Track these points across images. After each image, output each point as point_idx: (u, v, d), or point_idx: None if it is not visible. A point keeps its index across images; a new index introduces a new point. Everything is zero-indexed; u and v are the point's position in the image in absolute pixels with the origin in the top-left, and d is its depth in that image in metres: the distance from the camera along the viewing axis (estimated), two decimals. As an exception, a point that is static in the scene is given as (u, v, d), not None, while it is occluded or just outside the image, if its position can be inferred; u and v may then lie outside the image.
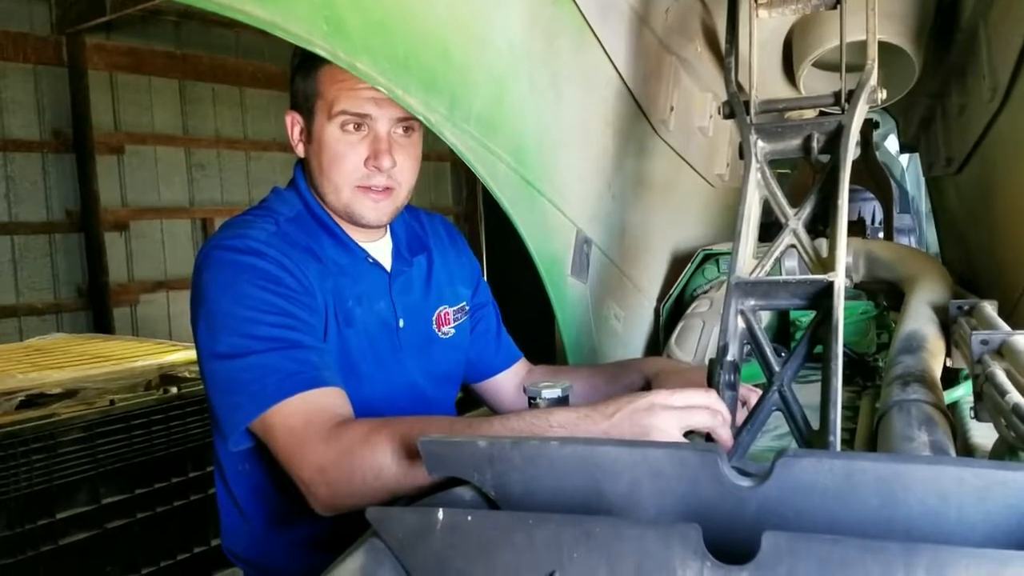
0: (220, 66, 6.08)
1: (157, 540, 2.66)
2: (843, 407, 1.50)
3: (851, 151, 1.17)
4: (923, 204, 3.52)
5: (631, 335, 1.76)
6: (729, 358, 1.02)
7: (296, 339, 1.10)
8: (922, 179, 2.86)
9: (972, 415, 1.04)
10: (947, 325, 1.39)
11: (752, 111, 1.23)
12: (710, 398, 0.96)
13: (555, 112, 1.42)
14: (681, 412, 0.93)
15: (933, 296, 1.49)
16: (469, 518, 0.72)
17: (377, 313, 1.27)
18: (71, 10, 5.26)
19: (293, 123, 1.27)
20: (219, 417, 1.12)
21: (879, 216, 2.84)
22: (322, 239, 1.25)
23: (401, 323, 1.30)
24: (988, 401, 0.97)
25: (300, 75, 1.24)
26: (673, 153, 1.82)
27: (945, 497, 0.67)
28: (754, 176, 1.20)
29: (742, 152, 1.22)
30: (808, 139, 1.20)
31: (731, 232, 1.15)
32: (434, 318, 1.36)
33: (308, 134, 1.25)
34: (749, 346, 1.06)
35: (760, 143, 1.22)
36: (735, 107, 1.24)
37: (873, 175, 2.45)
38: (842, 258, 1.05)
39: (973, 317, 1.33)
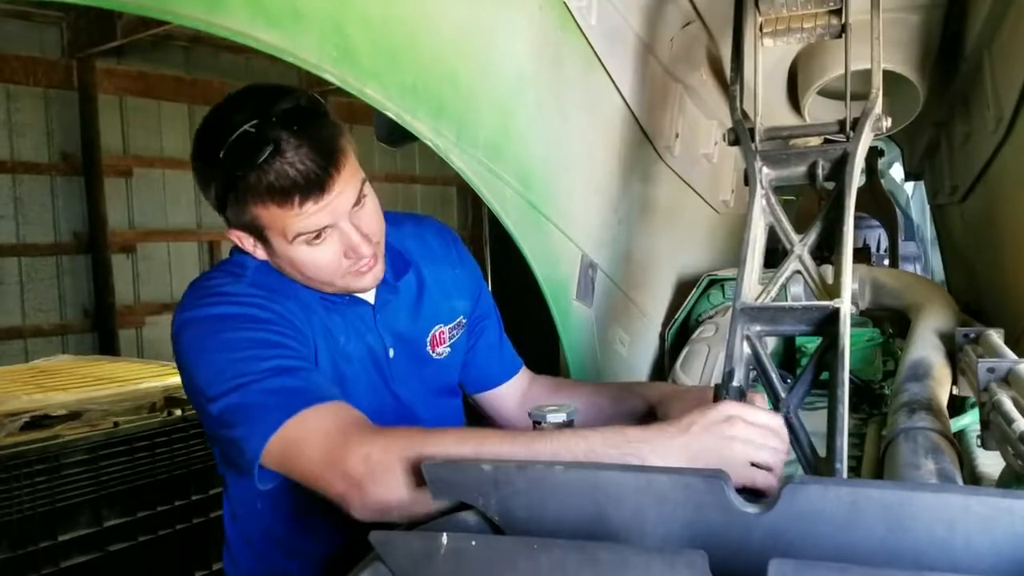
0: (229, 91, 6.13)
1: (159, 563, 2.65)
2: (849, 434, 1.50)
3: (856, 178, 1.17)
4: (928, 232, 3.53)
5: (636, 360, 1.76)
6: (735, 384, 1.02)
7: (292, 365, 1.06)
8: (927, 207, 2.86)
9: (979, 443, 1.04)
10: (953, 353, 1.39)
11: (757, 138, 1.24)
12: (777, 422, 0.93)
13: (561, 137, 1.43)
14: (757, 431, 0.90)
15: (939, 324, 1.48)
16: (473, 543, 0.72)
17: (367, 347, 1.22)
18: (82, 34, 5.34)
19: (241, 239, 1.13)
20: (233, 454, 1.07)
21: (884, 243, 2.84)
22: (296, 285, 1.17)
23: (391, 353, 1.24)
24: (995, 430, 0.97)
25: (232, 201, 1.07)
26: (678, 179, 1.83)
27: (951, 525, 0.66)
28: (759, 203, 1.20)
29: (747, 179, 1.23)
30: (813, 166, 1.21)
31: (736, 258, 1.15)
32: (428, 340, 1.30)
33: (267, 247, 1.12)
34: (755, 372, 1.06)
35: (765, 170, 1.23)
36: (740, 134, 1.25)
37: (878, 203, 2.46)
38: (847, 284, 1.05)
39: (979, 345, 1.33)
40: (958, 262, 2.16)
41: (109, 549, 2.51)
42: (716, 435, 0.89)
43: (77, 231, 5.51)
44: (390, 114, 1.08)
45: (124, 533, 2.56)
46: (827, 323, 1.03)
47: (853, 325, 1.81)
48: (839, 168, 1.19)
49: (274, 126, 1.02)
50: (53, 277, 5.44)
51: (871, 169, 2.46)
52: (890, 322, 1.80)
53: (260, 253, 1.14)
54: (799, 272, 1.16)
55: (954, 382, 1.38)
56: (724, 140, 1.29)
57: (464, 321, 1.35)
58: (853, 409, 1.58)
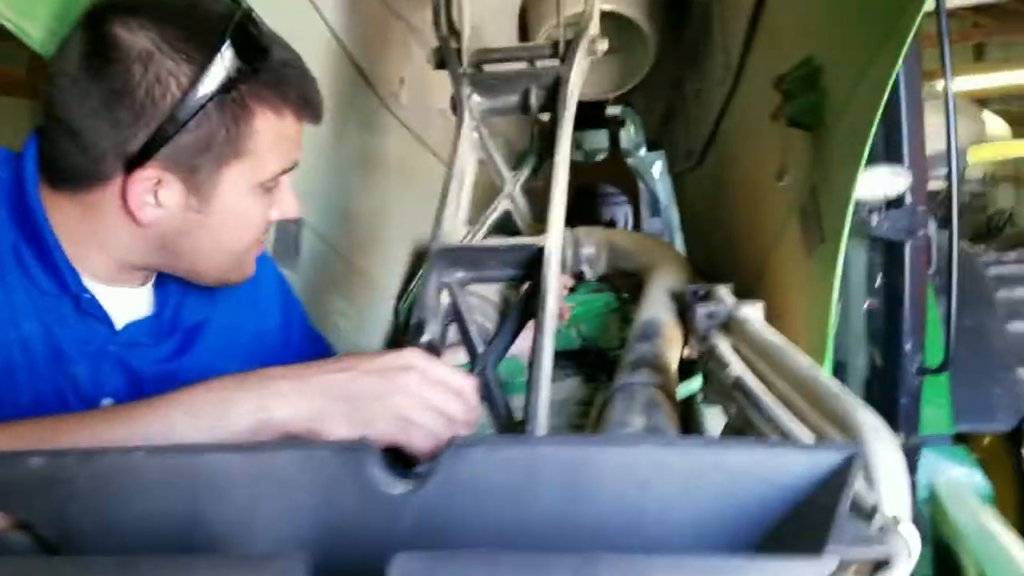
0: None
1: None
2: (581, 402, 1.38)
3: (572, 106, 1.03)
4: (673, 210, 3.62)
5: (363, 335, 1.55)
6: (425, 338, 0.83)
7: None
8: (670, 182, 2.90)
9: (702, 399, 0.93)
10: (685, 313, 1.31)
11: (464, 61, 1.07)
12: (464, 383, 0.73)
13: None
14: (436, 390, 0.70)
15: (670, 283, 1.40)
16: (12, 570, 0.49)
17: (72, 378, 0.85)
18: None
19: (159, 185, 0.79)
20: None
21: (630, 220, 2.85)
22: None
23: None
24: (714, 381, 0.86)
25: (209, 112, 0.77)
26: (409, 133, 1.64)
27: (644, 485, 0.51)
28: (468, 134, 1.03)
29: (455, 106, 1.06)
30: (526, 94, 1.05)
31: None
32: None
33: (199, 197, 0.82)
34: (453, 324, 0.88)
35: (475, 97, 1.06)
36: (446, 55, 1.07)
37: (622, 176, 2.42)
38: (557, 221, 0.90)
39: (709, 302, 1.26)
40: (695, 232, 2.15)
41: None
42: (381, 380, 0.69)
43: None
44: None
45: None
46: (533, 265, 0.87)
47: (591, 291, 1.71)
48: (554, 96, 1.05)
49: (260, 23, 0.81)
50: None
51: (613, 139, 2.42)
52: (627, 286, 1.73)
53: (148, 215, 0.80)
54: (511, 211, 1.00)
55: (686, 343, 1.31)
56: (430, 62, 1.11)
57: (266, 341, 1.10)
58: (590, 378, 1.47)
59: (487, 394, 0.80)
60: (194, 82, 0.75)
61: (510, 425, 0.77)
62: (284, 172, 0.86)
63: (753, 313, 0.91)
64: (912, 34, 0.80)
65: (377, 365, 0.70)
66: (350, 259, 1.51)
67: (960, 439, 2.30)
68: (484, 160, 1.04)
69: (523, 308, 0.86)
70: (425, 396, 0.69)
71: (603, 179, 2.50)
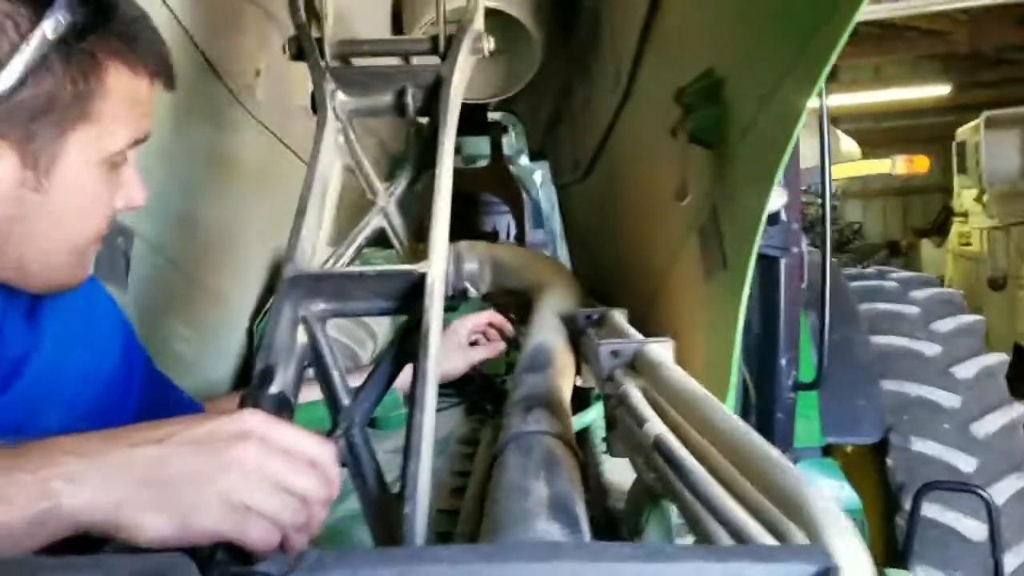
0: None
1: None
2: (465, 439, 1.25)
3: (455, 110, 0.90)
4: (557, 221, 3.55)
5: (209, 364, 1.35)
6: (274, 390, 0.67)
7: None
8: (554, 193, 2.82)
9: (604, 447, 0.81)
10: (576, 338, 1.20)
11: (327, 52, 0.91)
12: (320, 451, 0.58)
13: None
14: (281, 461, 0.55)
15: (560, 304, 1.29)
16: None
17: None
18: None
19: None
20: None
21: (514, 231, 2.74)
22: None
23: None
24: (623, 430, 0.74)
25: (63, 63, 0.65)
26: (267, 133, 1.45)
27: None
28: (332, 137, 0.88)
29: (314, 105, 0.90)
30: (401, 94, 0.91)
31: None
32: None
33: (19, 170, 0.67)
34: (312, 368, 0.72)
35: (340, 95, 0.90)
36: (304, 44, 0.91)
37: (505, 185, 2.30)
38: (440, 242, 0.76)
39: (603, 327, 1.15)
40: (583, 247, 2.06)
41: None
42: (207, 454, 0.53)
43: None
44: None
45: None
46: (412, 295, 0.73)
47: (475, 310, 1.58)
48: (434, 97, 0.91)
49: None
50: None
51: (496, 146, 2.30)
52: (514, 307, 1.61)
53: (2, 178, 0.66)
54: (385, 229, 0.85)
55: (578, 371, 1.20)
56: (285, 52, 0.95)
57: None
58: (474, 407, 1.33)
59: (353, 461, 0.64)
60: (35, 25, 0.62)
61: (382, 503, 0.62)
62: (135, 145, 0.75)
63: (664, 354, 0.80)
64: (840, 45, 0.71)
65: (202, 433, 0.54)
66: (194, 275, 1.31)
67: (825, 451, 2.33)
68: (352, 168, 0.89)
69: (400, 349, 0.72)
70: (267, 471, 0.54)
71: (484, 187, 2.38)
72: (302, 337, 0.72)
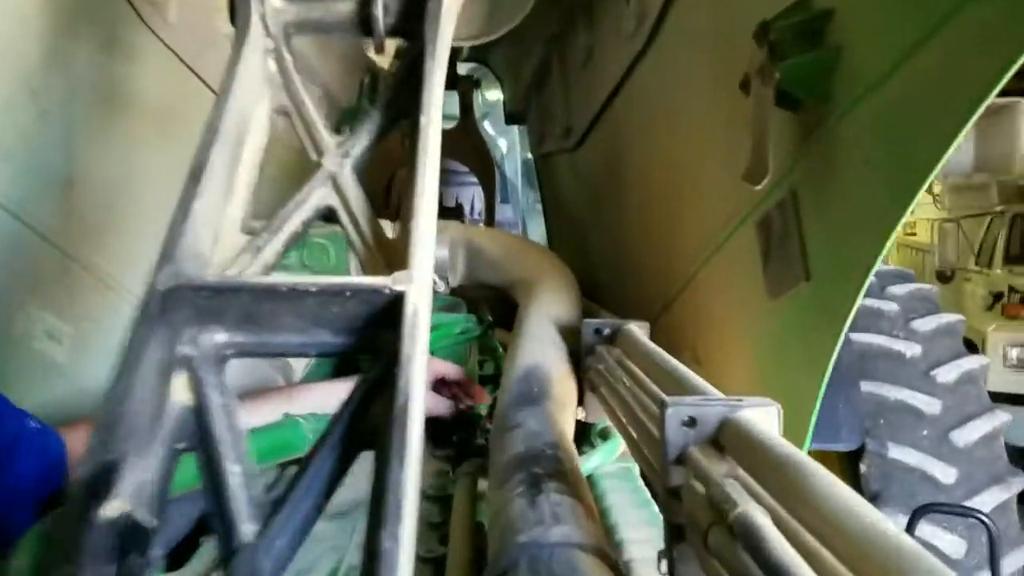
0: None
1: None
2: (430, 495, 0.95)
3: (448, 27, 0.59)
4: (522, 196, 3.22)
5: (87, 368, 1.02)
6: (113, 511, 0.36)
7: None
8: (521, 164, 2.50)
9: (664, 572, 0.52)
10: (579, 355, 0.92)
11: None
12: None
13: None
14: None
15: (557, 310, 1.01)
16: None
17: None
18: None
19: None
20: None
21: (479, 205, 2.41)
22: None
23: None
24: (716, 546, 0.45)
25: None
26: (179, 63, 1.12)
27: None
28: (256, 59, 0.56)
29: (232, 14, 0.58)
30: (367, 3, 0.59)
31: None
32: None
33: None
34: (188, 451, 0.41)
35: (274, 1, 0.59)
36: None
37: (476, 150, 1.97)
38: (426, 241, 0.46)
39: (617, 346, 0.87)
40: (567, 231, 1.75)
41: None
42: None
43: None
44: None
45: None
46: (378, 326, 0.42)
47: (440, 308, 1.28)
48: (417, 12, 0.59)
49: None
50: None
51: (466, 106, 1.96)
52: (490, 305, 1.31)
53: None
54: (332, 209, 0.54)
55: (580, 402, 0.92)
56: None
57: None
58: (440, 441, 1.03)
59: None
60: None
61: None
62: None
63: (757, 419, 0.51)
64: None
65: None
66: (69, 250, 0.97)
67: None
68: (288, 110, 0.58)
69: (355, 413, 0.42)
70: None
71: (450, 154, 2.05)
72: (181, 394, 0.41)
